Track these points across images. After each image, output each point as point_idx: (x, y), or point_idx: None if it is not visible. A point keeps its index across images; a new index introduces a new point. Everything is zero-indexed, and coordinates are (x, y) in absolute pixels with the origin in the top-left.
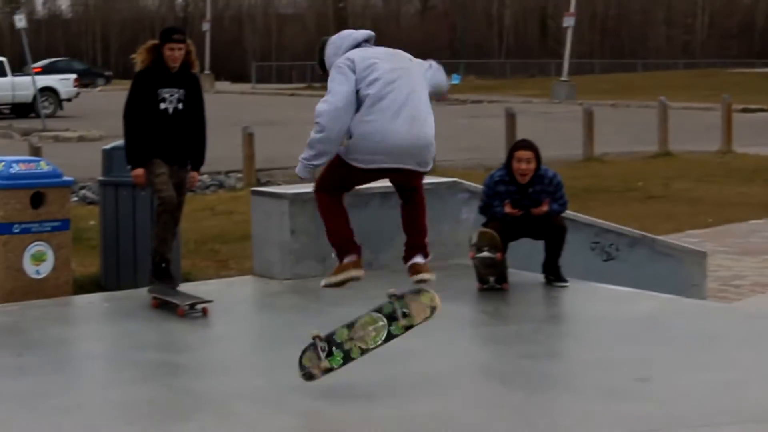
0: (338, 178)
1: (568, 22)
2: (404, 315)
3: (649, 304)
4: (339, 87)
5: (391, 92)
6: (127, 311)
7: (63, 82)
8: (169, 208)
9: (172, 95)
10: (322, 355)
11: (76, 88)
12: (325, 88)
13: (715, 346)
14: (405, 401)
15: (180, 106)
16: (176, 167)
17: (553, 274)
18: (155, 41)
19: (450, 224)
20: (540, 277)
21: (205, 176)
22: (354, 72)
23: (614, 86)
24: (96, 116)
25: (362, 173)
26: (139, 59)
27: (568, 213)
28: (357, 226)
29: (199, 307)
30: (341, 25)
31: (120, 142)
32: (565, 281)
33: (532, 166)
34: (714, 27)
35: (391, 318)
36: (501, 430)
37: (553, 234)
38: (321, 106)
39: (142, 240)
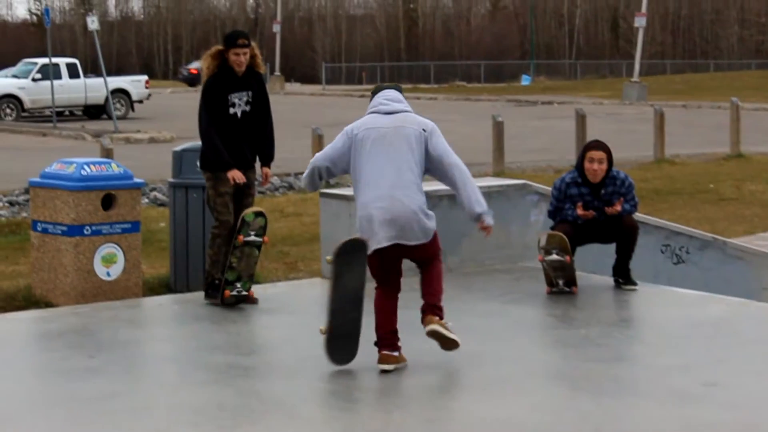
0: (373, 267)
1: (640, 22)
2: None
3: (719, 307)
4: (331, 146)
5: (371, 165)
6: (196, 313)
7: (135, 84)
8: (224, 233)
9: (240, 99)
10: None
11: (147, 90)
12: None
13: None
14: (473, 404)
15: (248, 108)
16: (243, 170)
17: (623, 277)
18: (220, 47)
19: (519, 226)
20: (609, 281)
21: (275, 178)
22: (350, 141)
23: (686, 87)
24: (167, 118)
25: (378, 255)
26: (204, 66)
27: (638, 216)
28: None
29: (244, 292)
30: (412, 26)
31: (190, 143)
32: (635, 284)
33: (604, 166)
34: None
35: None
36: None
37: (624, 235)
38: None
39: None
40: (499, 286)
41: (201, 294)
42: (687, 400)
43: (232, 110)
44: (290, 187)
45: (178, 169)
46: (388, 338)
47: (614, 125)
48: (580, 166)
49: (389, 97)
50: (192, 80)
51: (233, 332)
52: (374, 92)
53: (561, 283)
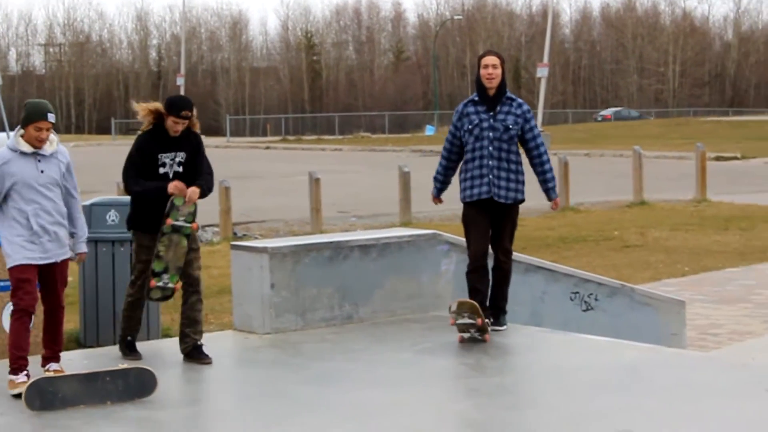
0: None
1: (542, 72)
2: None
3: (629, 353)
4: None
5: None
6: (106, 368)
7: None
8: (138, 297)
9: (172, 159)
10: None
11: None
12: (299, 140)
13: (696, 397)
14: None
15: (180, 169)
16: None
17: (494, 314)
18: (159, 107)
19: (430, 276)
20: (521, 328)
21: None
22: None
23: (588, 135)
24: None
25: None
26: (142, 115)
27: (547, 263)
28: (337, 280)
29: (171, 285)
30: (315, 78)
31: (99, 198)
32: (501, 326)
33: (498, 71)
34: (685, 76)
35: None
36: None
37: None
38: None
39: (122, 295)
40: (411, 335)
41: (112, 348)
42: None
43: (162, 170)
44: None
45: (87, 223)
46: None
47: None
48: (478, 79)
49: None
50: None
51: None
52: None
53: (473, 331)
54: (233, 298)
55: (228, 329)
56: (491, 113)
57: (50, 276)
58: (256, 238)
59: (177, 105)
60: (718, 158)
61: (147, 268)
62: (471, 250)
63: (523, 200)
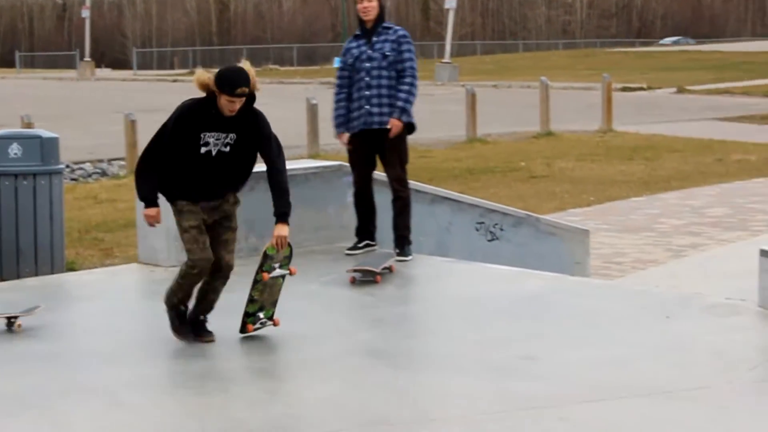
0: None
1: (450, 3)
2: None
3: (533, 282)
4: None
5: None
6: (8, 300)
7: None
8: (196, 272)
9: (218, 139)
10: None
11: None
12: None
13: (599, 323)
14: (295, 384)
15: (227, 149)
16: (212, 201)
17: (398, 245)
18: (209, 81)
19: (336, 208)
20: (428, 259)
21: (88, 164)
22: None
23: (496, 67)
24: None
25: None
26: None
27: (453, 194)
28: (242, 212)
29: (269, 323)
30: (223, 10)
31: (2, 131)
32: (406, 256)
33: (374, 3)
34: (593, 7)
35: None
36: (386, 412)
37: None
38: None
39: (25, 229)
40: (318, 267)
41: (16, 282)
42: (505, 374)
43: (204, 149)
44: (104, 174)
45: None
46: None
47: (427, 106)
48: (357, 14)
49: None
50: None
51: (49, 321)
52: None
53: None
54: (138, 232)
55: (133, 262)
56: (369, 44)
57: None
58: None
59: (229, 81)
60: (624, 89)
61: (200, 232)
62: (353, 179)
63: (406, 124)
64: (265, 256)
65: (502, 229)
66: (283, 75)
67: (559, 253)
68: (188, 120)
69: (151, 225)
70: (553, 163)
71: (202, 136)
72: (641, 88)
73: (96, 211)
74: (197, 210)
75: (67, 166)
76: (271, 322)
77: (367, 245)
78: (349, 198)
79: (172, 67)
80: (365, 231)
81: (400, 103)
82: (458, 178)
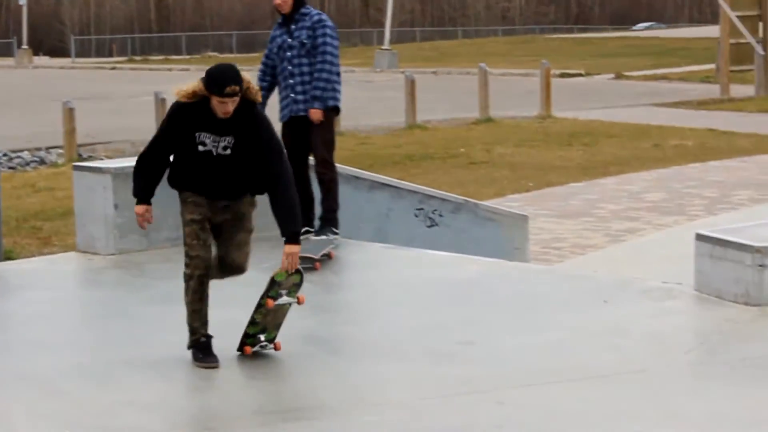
0: None
1: None
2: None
3: (472, 268)
4: None
5: None
6: None
7: None
8: (197, 273)
9: (216, 142)
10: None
11: None
12: (146, 61)
13: (537, 308)
14: (231, 372)
15: (227, 153)
16: (223, 200)
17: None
18: (199, 88)
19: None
20: (366, 245)
21: (26, 153)
22: None
23: (435, 54)
24: None
25: None
26: (186, 101)
27: (392, 181)
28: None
29: (269, 346)
30: None
31: None
32: (335, 233)
33: None
34: None
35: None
36: (326, 398)
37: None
38: None
39: None
40: (257, 254)
41: None
42: (443, 359)
43: (202, 147)
44: (42, 162)
45: None
46: None
47: (366, 93)
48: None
49: None
50: None
51: None
52: None
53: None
54: (76, 220)
55: (71, 251)
56: (289, 33)
57: None
58: (101, 159)
59: (217, 81)
60: (562, 75)
61: (202, 229)
62: None
63: (329, 107)
64: (273, 282)
65: (441, 215)
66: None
67: (498, 238)
68: (181, 118)
69: (141, 225)
70: (493, 149)
71: (197, 135)
72: (580, 75)
73: (34, 200)
74: (202, 203)
75: (5, 155)
76: (271, 346)
77: (306, 232)
78: None
79: (110, 55)
80: (303, 218)
81: (316, 92)
82: (398, 165)
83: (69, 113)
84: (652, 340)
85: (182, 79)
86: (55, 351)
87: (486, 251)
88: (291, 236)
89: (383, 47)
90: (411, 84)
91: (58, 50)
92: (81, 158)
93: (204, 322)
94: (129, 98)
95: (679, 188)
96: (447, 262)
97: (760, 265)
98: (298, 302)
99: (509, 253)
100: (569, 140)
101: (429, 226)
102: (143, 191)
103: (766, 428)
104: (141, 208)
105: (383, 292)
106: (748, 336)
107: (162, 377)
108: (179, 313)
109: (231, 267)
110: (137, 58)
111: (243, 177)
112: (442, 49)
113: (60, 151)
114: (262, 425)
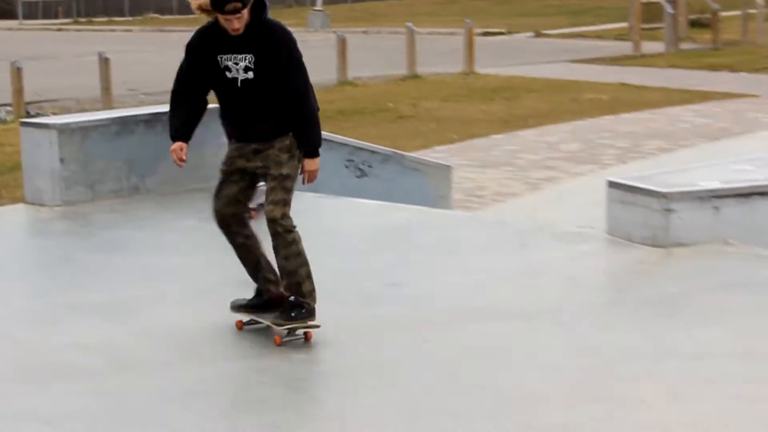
0: None
1: None
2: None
3: (399, 215)
4: None
5: None
6: None
7: None
8: (219, 226)
9: (236, 63)
10: None
11: None
12: (90, 23)
13: (460, 252)
14: (171, 315)
15: (250, 75)
16: (248, 142)
17: None
18: (203, 2)
19: (212, 148)
20: (299, 195)
21: None
22: None
23: (366, 15)
24: None
25: None
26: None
27: (324, 134)
28: (123, 153)
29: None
30: None
31: None
32: None
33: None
34: None
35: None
36: (259, 339)
37: None
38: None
39: None
40: (196, 204)
41: None
42: (371, 301)
43: (229, 74)
44: None
45: None
46: None
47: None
48: None
49: None
50: None
51: None
52: None
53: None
54: (24, 173)
55: (20, 203)
56: None
57: None
58: (48, 116)
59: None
60: (485, 33)
61: (224, 181)
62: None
63: None
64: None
65: (370, 166)
66: (164, 23)
67: (424, 187)
68: (199, 44)
69: (176, 163)
70: (419, 104)
71: (219, 59)
72: (501, 33)
73: None
74: (236, 154)
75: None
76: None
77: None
78: (224, 139)
79: (56, 17)
80: None
81: None
82: (330, 119)
83: (17, 72)
84: (567, 281)
85: (125, 39)
86: (4, 297)
87: (413, 200)
88: (309, 152)
89: (316, 8)
90: (342, 43)
91: (5, 13)
92: (29, 115)
93: (257, 277)
94: (74, 58)
95: (593, 139)
96: (376, 210)
97: (667, 210)
98: (306, 339)
99: (434, 201)
100: (491, 95)
101: (359, 177)
102: (175, 129)
103: (670, 359)
104: (175, 145)
105: (316, 239)
106: (655, 276)
107: (106, 321)
108: (125, 259)
109: (266, 217)
110: (82, 20)
111: (270, 107)
112: (372, 10)
113: (9, 108)
114: (201, 365)
